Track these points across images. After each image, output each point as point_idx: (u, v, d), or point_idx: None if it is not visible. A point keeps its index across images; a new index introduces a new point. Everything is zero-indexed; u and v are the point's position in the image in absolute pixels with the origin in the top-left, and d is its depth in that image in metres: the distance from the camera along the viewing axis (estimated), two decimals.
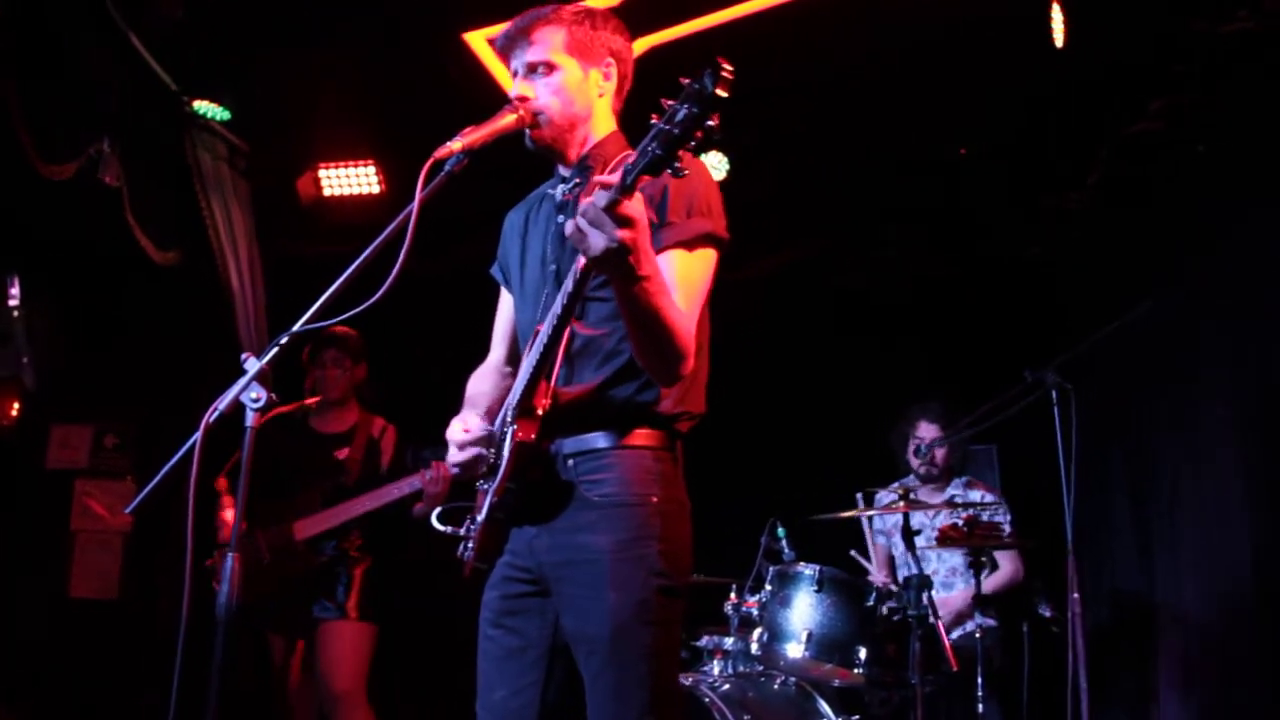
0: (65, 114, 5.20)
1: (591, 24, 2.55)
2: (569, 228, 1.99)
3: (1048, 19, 5.05)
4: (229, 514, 4.76)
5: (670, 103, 1.83)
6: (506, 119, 2.42)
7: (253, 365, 2.18)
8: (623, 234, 1.94)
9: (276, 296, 6.39)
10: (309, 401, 4.98)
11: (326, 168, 6.59)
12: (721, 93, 1.76)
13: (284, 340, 2.20)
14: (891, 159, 6.04)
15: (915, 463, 5.34)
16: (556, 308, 2.23)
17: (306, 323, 2.24)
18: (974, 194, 6.09)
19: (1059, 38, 5.07)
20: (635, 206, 1.94)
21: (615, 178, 1.91)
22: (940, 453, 5.25)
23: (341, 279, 2.25)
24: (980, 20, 4.99)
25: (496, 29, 5.23)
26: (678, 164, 1.85)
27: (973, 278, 6.41)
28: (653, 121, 1.85)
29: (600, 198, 1.93)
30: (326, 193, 6.63)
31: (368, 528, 4.75)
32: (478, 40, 5.27)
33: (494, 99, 5.31)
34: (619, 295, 2.12)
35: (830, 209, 6.41)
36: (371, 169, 6.54)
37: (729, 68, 1.76)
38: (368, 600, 4.69)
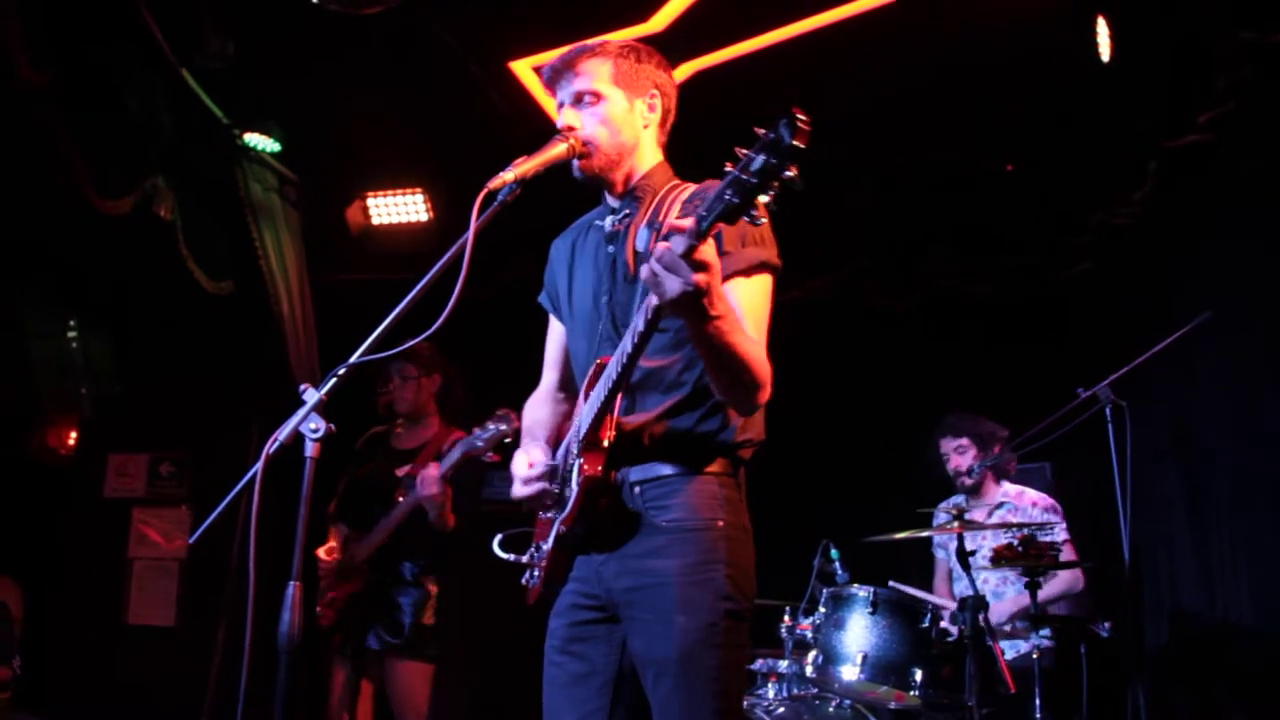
0: (120, 150, 5.32)
1: (636, 57, 2.59)
2: (644, 272, 2.00)
3: (1093, 33, 5.02)
4: (331, 543, 4.82)
5: (745, 151, 1.81)
6: (558, 148, 2.45)
7: (311, 396, 2.20)
8: (698, 278, 1.95)
9: (327, 324, 6.46)
10: (396, 428, 4.97)
11: (375, 196, 6.67)
12: (799, 143, 1.75)
13: (341, 371, 2.23)
14: (938, 176, 6.02)
15: (955, 479, 5.31)
16: (626, 345, 2.24)
17: (363, 354, 2.26)
18: (1021, 211, 6.05)
19: (1105, 51, 5.04)
20: (709, 251, 1.96)
21: (690, 223, 1.92)
22: (971, 469, 5.22)
23: (398, 309, 2.27)
24: (1025, 35, 4.97)
25: (542, 58, 5.35)
26: (754, 212, 1.84)
27: (1021, 295, 6.36)
28: (727, 169, 1.84)
29: (677, 243, 1.94)
30: (375, 221, 6.72)
31: (433, 553, 4.70)
32: (524, 69, 5.33)
33: (540, 127, 5.35)
34: (694, 335, 2.15)
35: (873, 228, 6.39)
36: (420, 197, 6.61)
37: (805, 117, 1.74)
38: (432, 632, 4.62)
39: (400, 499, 4.67)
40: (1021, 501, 5.21)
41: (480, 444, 4.47)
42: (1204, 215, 5.40)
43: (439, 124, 5.95)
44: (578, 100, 2.55)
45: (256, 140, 6.04)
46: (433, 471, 4.49)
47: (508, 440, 4.45)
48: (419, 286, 2.28)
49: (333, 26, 4.93)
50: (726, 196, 1.84)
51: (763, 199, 1.82)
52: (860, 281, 6.56)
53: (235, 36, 5.14)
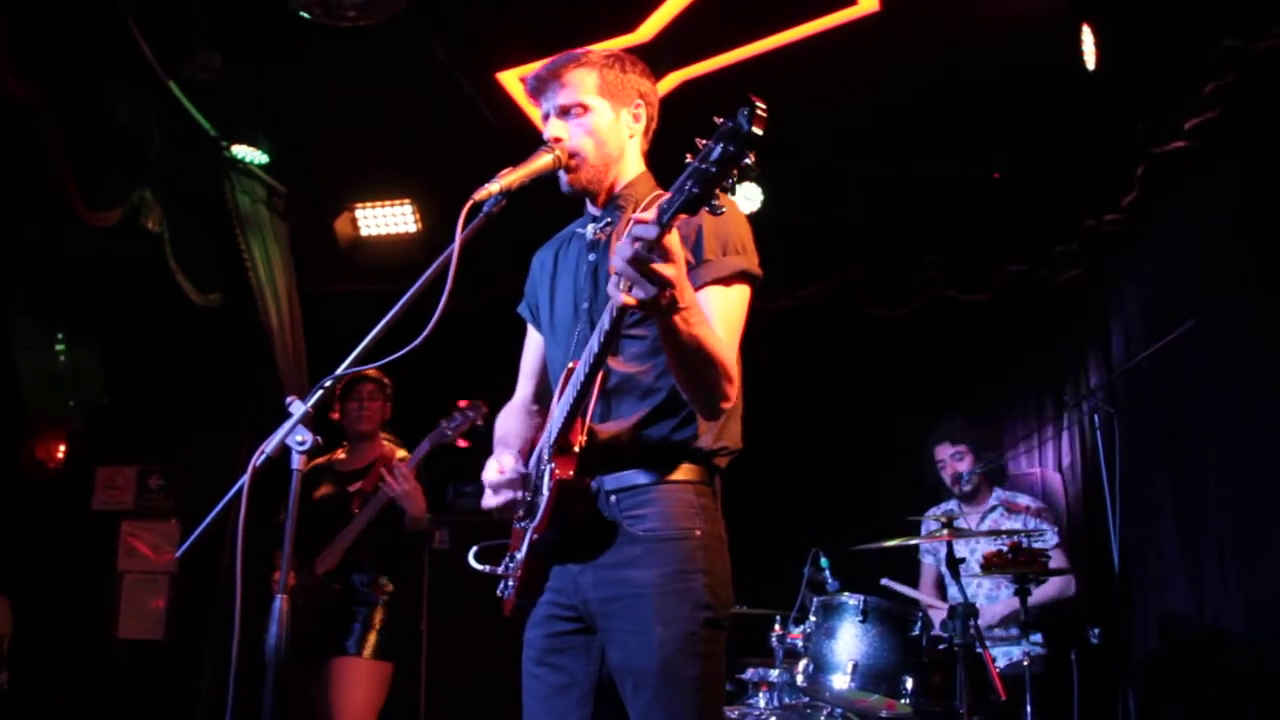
0: (108, 162, 5.31)
1: (621, 67, 2.59)
2: (616, 263, 1.99)
3: (1078, 41, 5.05)
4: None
5: (704, 141, 1.82)
6: (543, 160, 2.44)
7: (298, 408, 2.19)
8: (661, 268, 1.94)
9: (316, 335, 6.45)
10: (337, 455, 5.02)
11: (364, 207, 6.67)
12: (757, 130, 1.75)
13: (328, 383, 2.22)
14: (926, 185, 6.04)
15: (951, 486, 5.33)
16: (593, 345, 2.23)
17: (350, 365, 2.25)
18: (1010, 218, 6.08)
19: (1090, 60, 5.06)
20: (673, 241, 1.95)
21: (652, 214, 1.92)
22: (967, 475, 5.24)
23: (384, 321, 2.26)
24: (1011, 44, 4.99)
25: (529, 68, 5.34)
26: (715, 202, 1.84)
27: (1010, 302, 6.38)
28: (687, 160, 1.84)
29: (639, 230, 1.93)
30: (364, 232, 6.72)
31: (385, 559, 4.75)
32: (511, 80, 5.34)
33: (528, 137, 5.37)
34: (661, 329, 2.13)
35: (864, 236, 6.41)
36: (409, 208, 6.62)
37: (763, 105, 1.75)
38: (385, 638, 4.65)
39: (357, 510, 4.73)
40: (1015, 505, 5.23)
41: (450, 433, 4.59)
42: (1191, 221, 5.42)
43: (427, 135, 5.95)
44: (564, 112, 2.54)
45: (244, 152, 6.03)
46: (402, 466, 4.56)
47: (479, 424, 4.57)
48: (404, 299, 2.27)
49: (320, 38, 4.93)
50: (687, 187, 1.84)
51: (723, 188, 1.82)
52: (851, 289, 6.58)
53: (222, 48, 5.14)
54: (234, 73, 5.24)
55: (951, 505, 5.38)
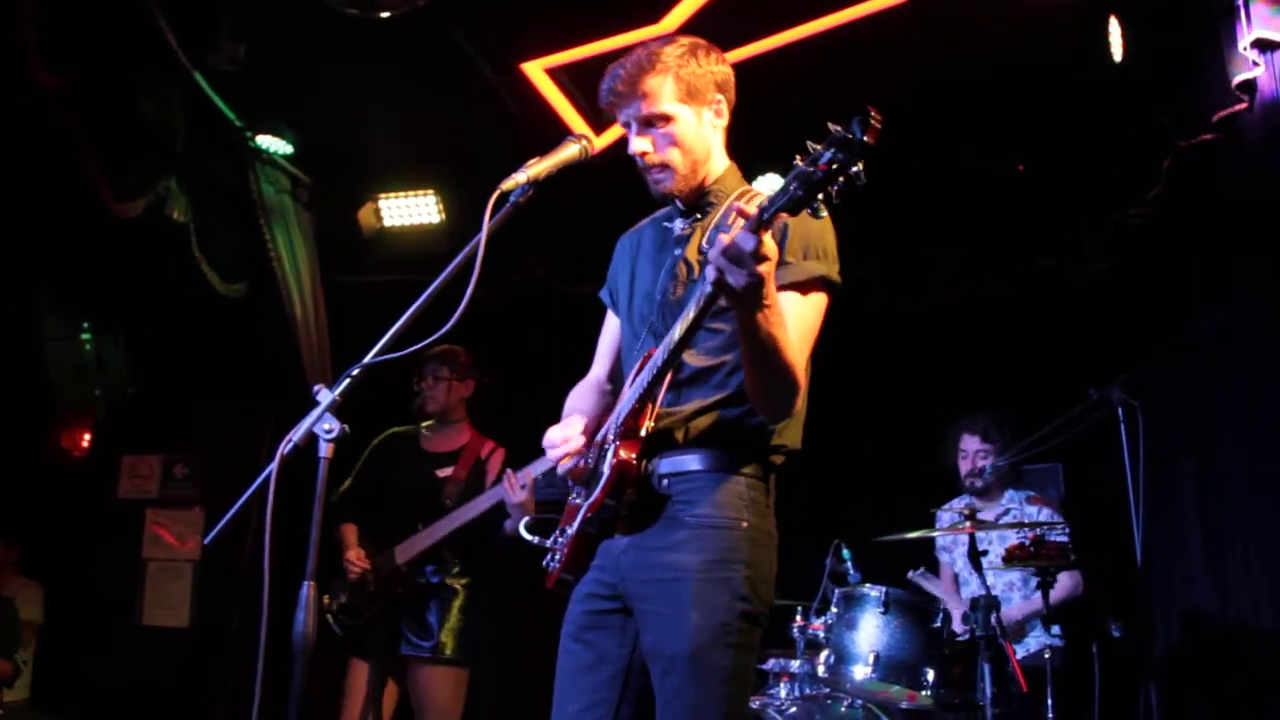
0: (134, 152, 5.34)
1: (696, 61, 2.51)
2: (710, 254, 2.01)
3: (1105, 32, 5.01)
4: (354, 545, 4.74)
5: (815, 146, 1.83)
6: (570, 150, 2.45)
7: (325, 397, 2.20)
8: (755, 264, 1.96)
9: (339, 325, 6.48)
10: (424, 424, 4.92)
11: (387, 198, 6.68)
12: (869, 139, 1.78)
13: (355, 372, 2.23)
14: (949, 177, 6.01)
15: (965, 478, 5.30)
16: (675, 333, 2.25)
17: (377, 354, 2.26)
18: (1034, 211, 6.04)
19: (1117, 51, 5.03)
20: (770, 240, 1.97)
21: (753, 209, 1.93)
22: (987, 468, 5.21)
23: (412, 309, 2.27)
24: (1037, 35, 4.96)
25: (553, 59, 5.36)
26: (817, 205, 1.86)
27: (1034, 295, 6.35)
28: (795, 163, 1.85)
29: (740, 234, 1.95)
30: (387, 223, 6.73)
31: (465, 554, 4.66)
32: (535, 70, 5.33)
33: (551, 127, 5.40)
34: (741, 324, 2.14)
35: (887, 229, 6.38)
36: (432, 198, 6.63)
37: (878, 115, 1.77)
38: (463, 637, 4.56)
39: (448, 500, 4.64)
40: (1032, 500, 5.21)
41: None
42: (1218, 214, 5.37)
43: (451, 126, 5.96)
44: (646, 123, 2.49)
45: (268, 142, 6.06)
46: (525, 476, 4.33)
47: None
48: (432, 287, 2.29)
49: (344, 28, 4.94)
50: (791, 189, 1.86)
51: (827, 195, 1.85)
52: (873, 281, 6.55)
53: (247, 38, 5.15)
54: (258, 63, 5.25)
55: (969, 499, 5.37)
